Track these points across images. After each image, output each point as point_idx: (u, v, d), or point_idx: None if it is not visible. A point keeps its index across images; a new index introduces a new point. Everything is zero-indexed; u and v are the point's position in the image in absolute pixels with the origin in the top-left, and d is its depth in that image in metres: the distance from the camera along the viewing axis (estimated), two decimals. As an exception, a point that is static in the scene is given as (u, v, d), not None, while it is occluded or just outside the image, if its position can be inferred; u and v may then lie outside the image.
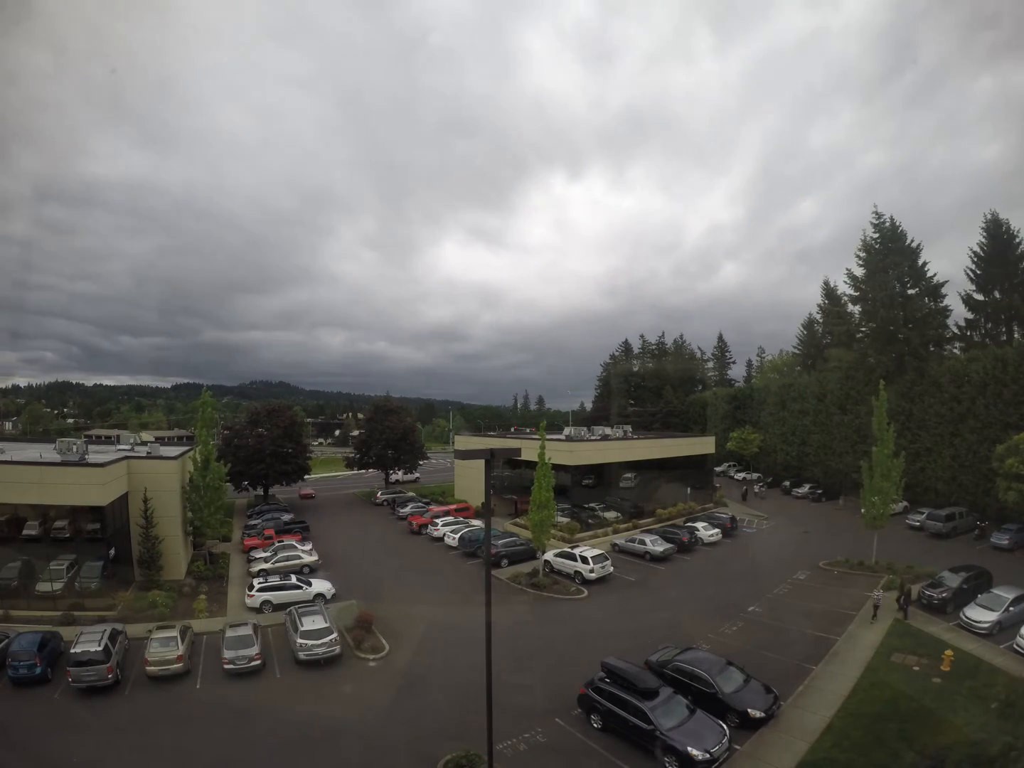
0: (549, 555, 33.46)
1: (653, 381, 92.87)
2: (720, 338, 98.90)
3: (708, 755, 15.14)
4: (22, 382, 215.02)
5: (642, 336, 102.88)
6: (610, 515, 45.40)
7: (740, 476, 70.51)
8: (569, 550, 33.64)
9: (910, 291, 51.06)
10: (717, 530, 41.12)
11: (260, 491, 55.81)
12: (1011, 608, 23.44)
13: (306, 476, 58.72)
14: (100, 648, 20.02)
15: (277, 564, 32.72)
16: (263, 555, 35.32)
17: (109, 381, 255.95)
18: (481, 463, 13.33)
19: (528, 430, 79.43)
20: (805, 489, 58.31)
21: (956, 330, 51.78)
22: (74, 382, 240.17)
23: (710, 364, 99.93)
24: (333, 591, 29.28)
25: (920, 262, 50.62)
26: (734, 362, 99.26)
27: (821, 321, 71.58)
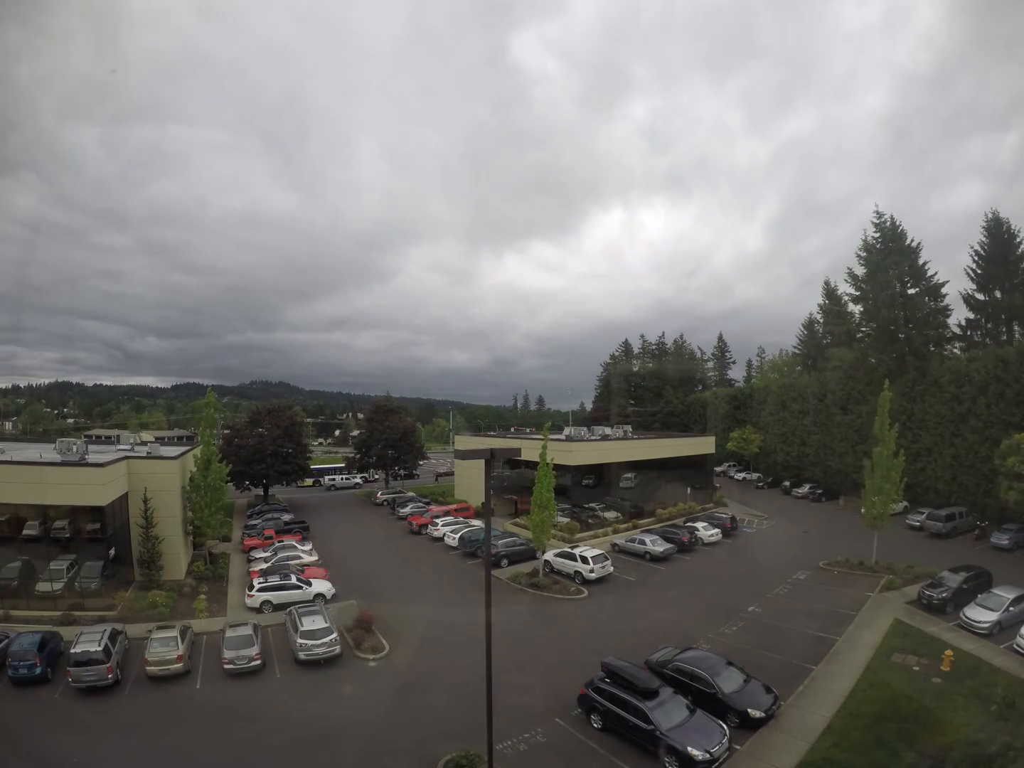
0: (549, 555, 33.46)
1: (653, 381, 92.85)
2: (720, 338, 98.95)
3: (708, 755, 15.14)
4: (22, 382, 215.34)
5: (642, 336, 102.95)
6: (610, 515, 45.39)
7: (740, 476, 70.55)
8: (569, 550, 33.64)
9: (911, 291, 51.06)
10: (717, 530, 41.11)
11: (260, 491, 55.85)
12: (1011, 608, 23.42)
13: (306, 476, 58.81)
14: (100, 648, 20.01)
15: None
16: (263, 555, 35.36)
17: (109, 381, 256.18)
18: (481, 463, 13.33)
19: (528, 430, 79.51)
20: (805, 489, 58.30)
21: (957, 330, 51.80)
22: (74, 382, 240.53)
23: (710, 364, 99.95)
24: (333, 591, 29.27)
25: (920, 262, 50.65)
26: (734, 362, 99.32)
27: (821, 321, 71.60)
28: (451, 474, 70.01)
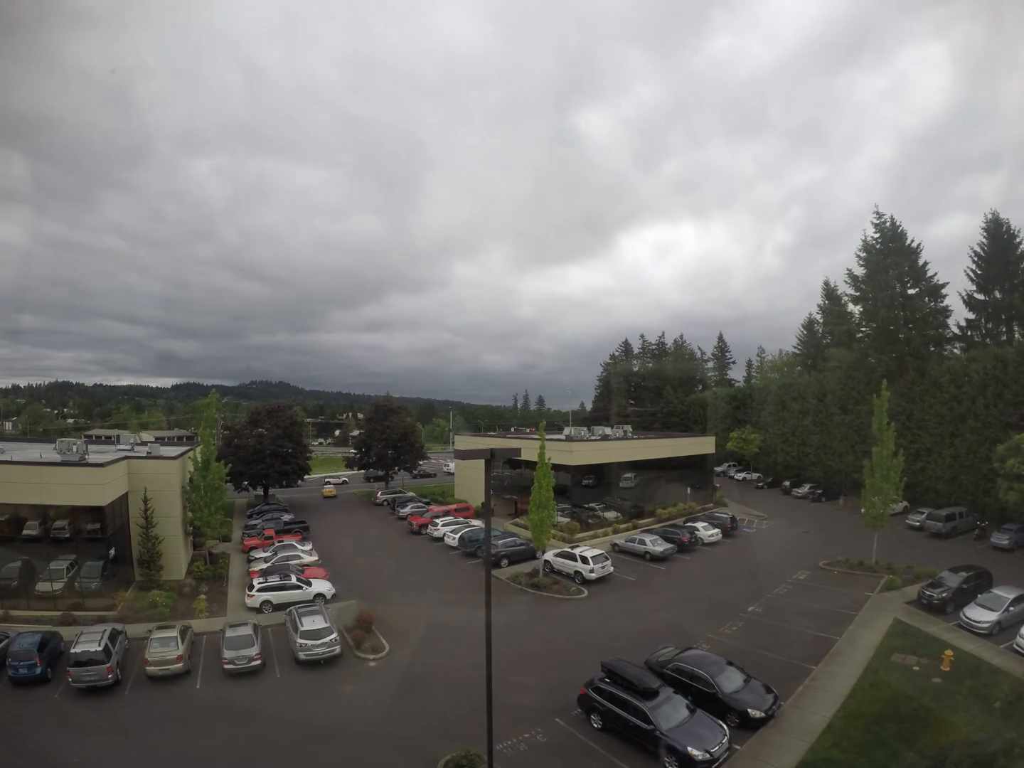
0: (549, 555, 33.46)
1: (653, 381, 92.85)
2: (720, 338, 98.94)
3: (708, 755, 15.13)
4: (22, 382, 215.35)
5: (642, 336, 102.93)
6: (610, 515, 45.40)
7: (740, 476, 70.55)
8: (569, 550, 33.64)
9: (910, 291, 51.07)
10: (717, 530, 41.12)
11: (260, 491, 55.84)
12: (1011, 608, 23.43)
13: (306, 476, 58.78)
14: (100, 648, 20.01)
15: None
16: (263, 555, 35.36)
17: (109, 381, 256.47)
18: (481, 463, 13.33)
19: (528, 430, 79.45)
20: (805, 489, 58.29)
21: (956, 330, 51.77)
22: (74, 382, 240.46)
23: (710, 364, 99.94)
24: (333, 591, 29.27)
25: (920, 262, 50.65)
26: (734, 362, 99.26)
27: (821, 321, 71.58)
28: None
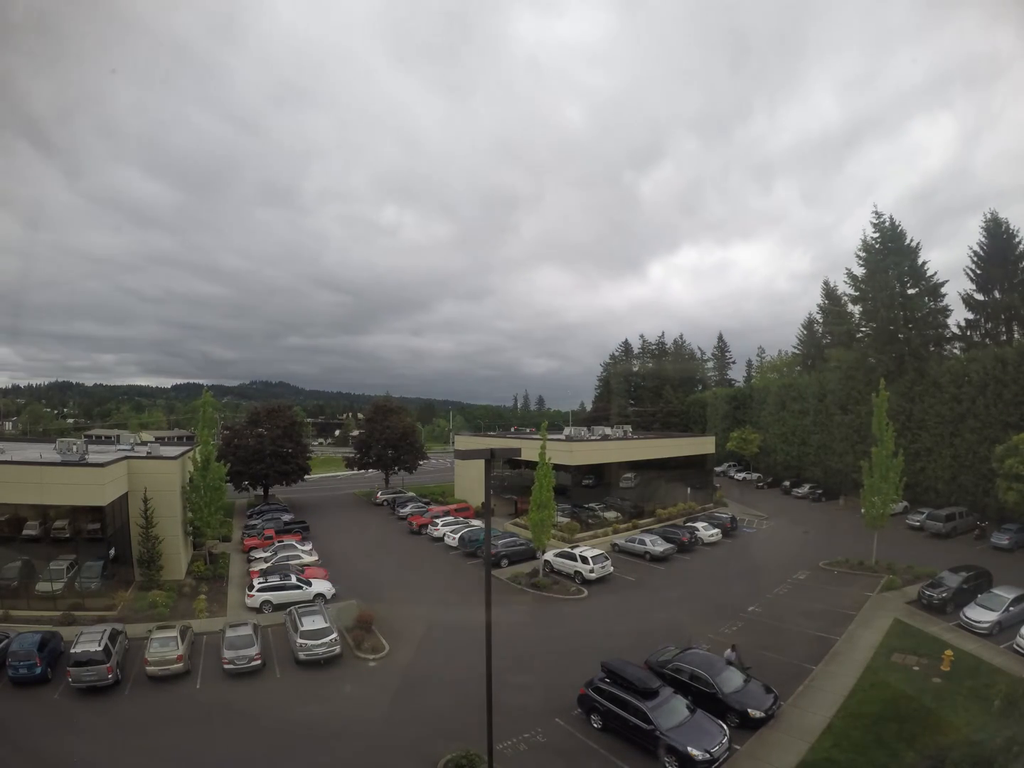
0: (549, 555, 33.46)
1: (653, 381, 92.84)
2: (720, 338, 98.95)
3: (708, 755, 15.13)
4: (22, 382, 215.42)
5: (642, 336, 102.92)
6: (610, 515, 45.40)
7: (740, 476, 70.56)
8: (569, 550, 33.64)
9: (910, 291, 51.08)
10: (717, 530, 41.12)
11: (260, 491, 55.83)
12: (1011, 608, 23.44)
13: (306, 476, 58.76)
14: (100, 648, 20.01)
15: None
16: (263, 555, 35.36)
17: (109, 381, 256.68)
18: (481, 463, 13.33)
19: (528, 430, 79.45)
20: (805, 489, 58.33)
21: (956, 330, 51.81)
22: (74, 382, 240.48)
23: (710, 364, 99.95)
24: (333, 591, 29.27)
25: (920, 261, 50.67)
26: (734, 362, 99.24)
27: (821, 321, 71.61)
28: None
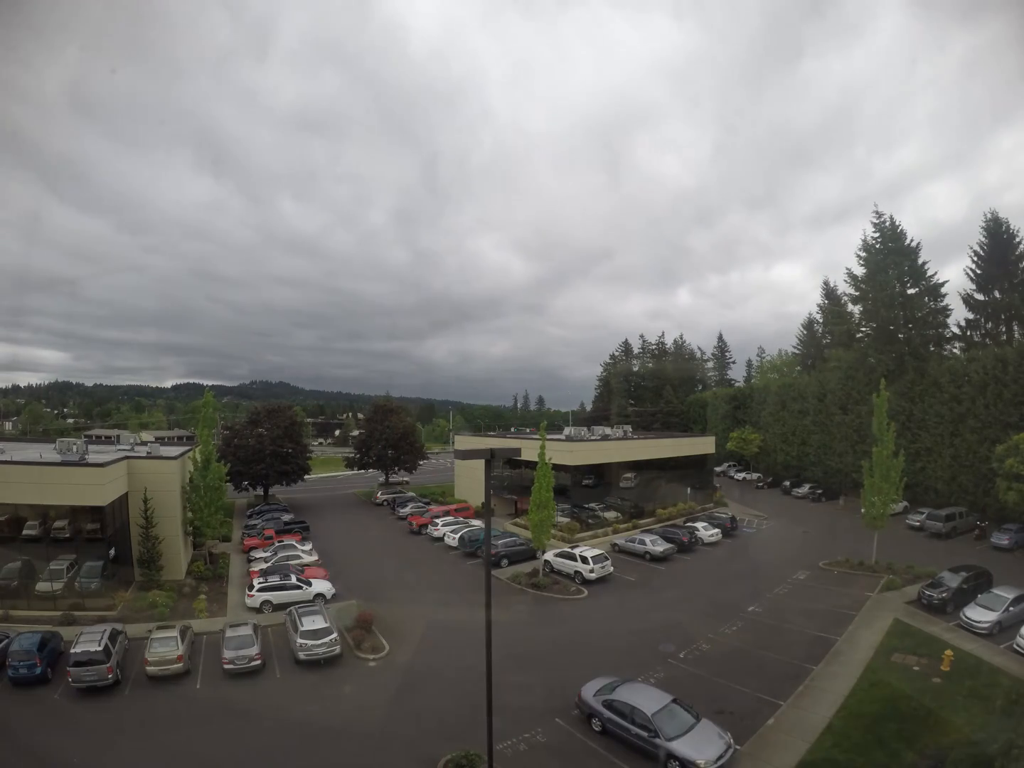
0: (549, 555, 33.45)
1: (653, 381, 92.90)
2: (720, 338, 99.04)
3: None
4: (22, 382, 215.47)
5: (642, 336, 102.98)
6: (610, 515, 45.39)
7: (740, 476, 70.57)
8: (569, 550, 33.63)
9: (910, 291, 51.08)
10: (717, 530, 41.11)
11: (260, 491, 55.82)
12: (1011, 608, 23.44)
13: (306, 476, 58.75)
14: (100, 648, 20.00)
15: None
16: (263, 555, 35.35)
17: (109, 381, 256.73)
18: (481, 463, 13.33)
19: (528, 430, 79.48)
20: (805, 489, 58.33)
21: (956, 330, 51.83)
22: (74, 382, 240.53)
23: (710, 364, 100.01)
24: (333, 591, 29.27)
25: (920, 262, 50.66)
26: (734, 362, 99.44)
27: (821, 321, 71.63)
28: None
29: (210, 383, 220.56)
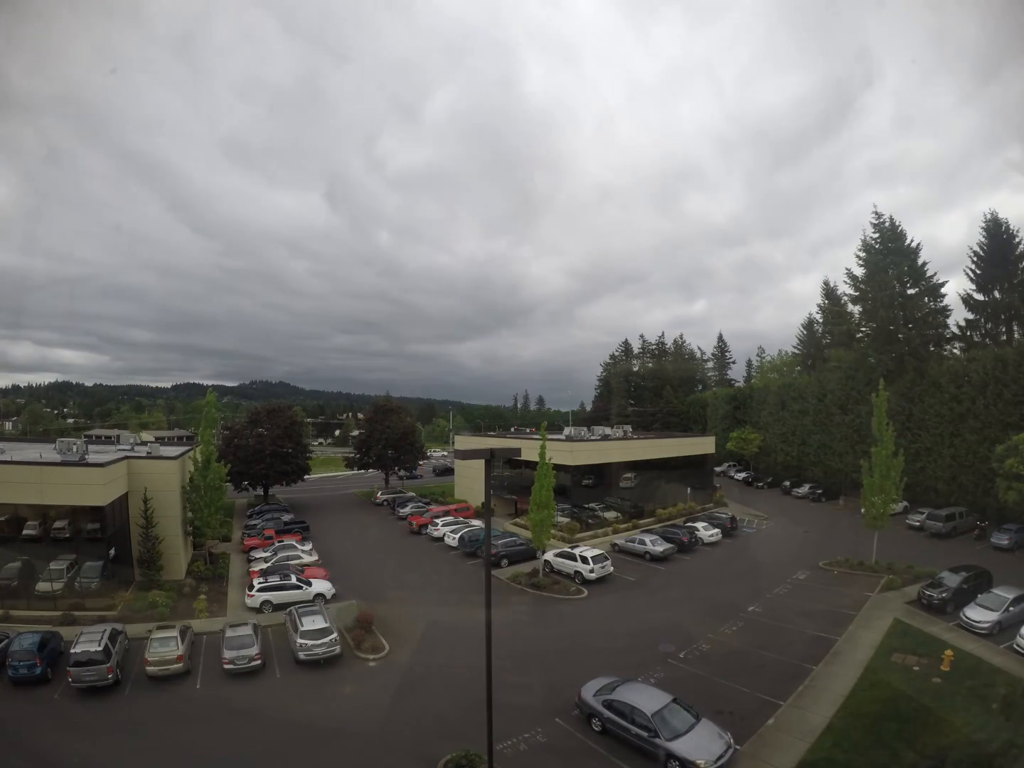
0: (549, 555, 33.45)
1: (653, 381, 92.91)
2: (720, 338, 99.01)
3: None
4: (22, 382, 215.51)
5: (642, 336, 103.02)
6: (610, 515, 45.39)
7: (740, 476, 70.56)
8: (569, 550, 33.64)
9: (910, 291, 51.08)
10: (717, 530, 41.11)
11: (260, 491, 55.83)
12: (1011, 608, 23.44)
13: (306, 476, 58.76)
14: (100, 648, 20.00)
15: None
16: (263, 555, 35.36)
17: (109, 381, 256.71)
18: (481, 463, 13.33)
19: (528, 430, 79.45)
20: (805, 489, 58.31)
21: (956, 330, 51.80)
22: (74, 382, 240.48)
23: (710, 364, 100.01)
24: (333, 591, 29.27)
25: (920, 262, 50.66)
26: (734, 362, 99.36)
27: (821, 321, 71.62)
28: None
29: (210, 383, 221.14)
